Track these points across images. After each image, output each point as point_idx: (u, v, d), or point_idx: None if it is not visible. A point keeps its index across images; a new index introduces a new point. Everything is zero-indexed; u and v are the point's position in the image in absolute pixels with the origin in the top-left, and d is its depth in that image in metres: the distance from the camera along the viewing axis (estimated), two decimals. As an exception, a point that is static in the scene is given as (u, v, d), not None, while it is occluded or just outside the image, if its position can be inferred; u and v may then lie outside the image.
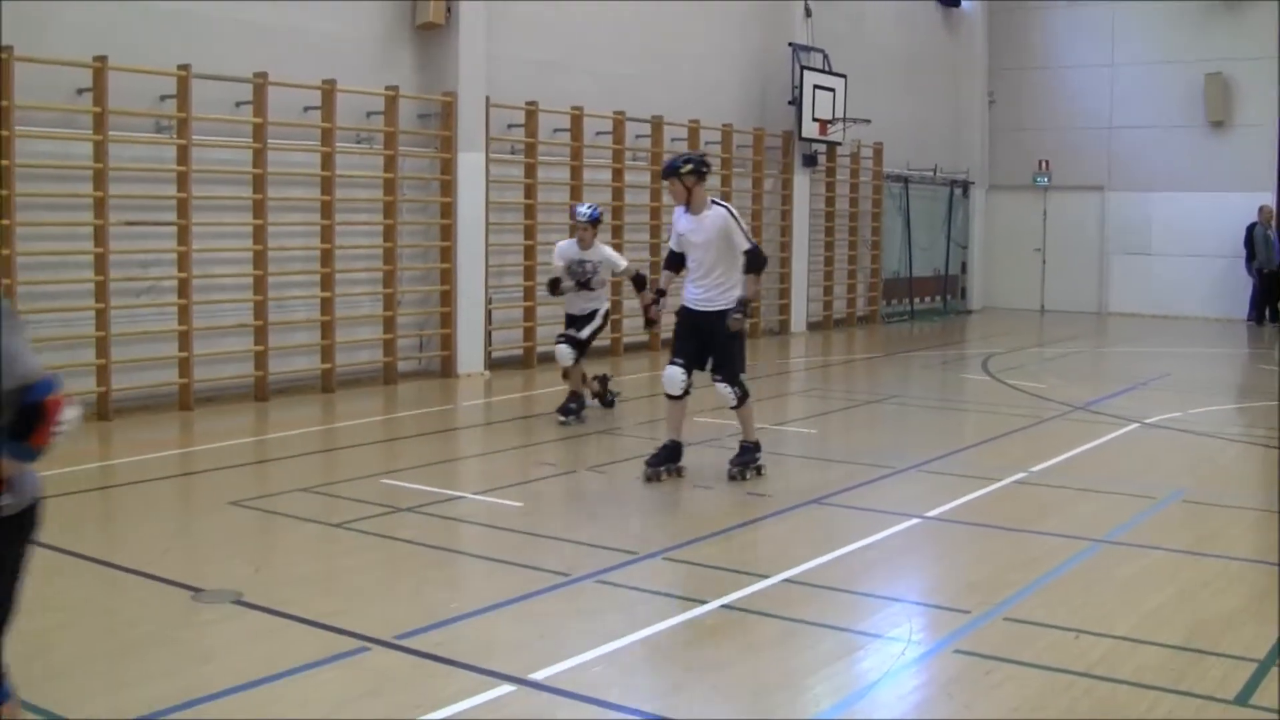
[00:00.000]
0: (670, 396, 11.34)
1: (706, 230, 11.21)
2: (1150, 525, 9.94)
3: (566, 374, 14.63)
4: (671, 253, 11.70)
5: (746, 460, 11.35)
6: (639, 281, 14.31)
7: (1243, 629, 7.20)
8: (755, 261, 11.45)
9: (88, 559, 8.01)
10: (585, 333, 14.38)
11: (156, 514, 10.15)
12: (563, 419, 14.22)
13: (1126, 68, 30.89)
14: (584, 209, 14.36)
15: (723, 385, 11.33)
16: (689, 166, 11.15)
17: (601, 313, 14.53)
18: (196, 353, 14.94)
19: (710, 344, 11.32)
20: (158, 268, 14.78)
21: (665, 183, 11.65)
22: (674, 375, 11.22)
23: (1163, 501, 10.71)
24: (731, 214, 11.30)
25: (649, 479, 10.99)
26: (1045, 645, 6.89)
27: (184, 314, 14.82)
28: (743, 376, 11.47)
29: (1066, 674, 6.45)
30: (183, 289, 14.82)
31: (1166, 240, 30.27)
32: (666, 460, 11.22)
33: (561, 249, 14.43)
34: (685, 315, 11.52)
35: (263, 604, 7.50)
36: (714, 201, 11.40)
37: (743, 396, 11.33)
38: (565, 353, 14.32)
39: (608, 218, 20.60)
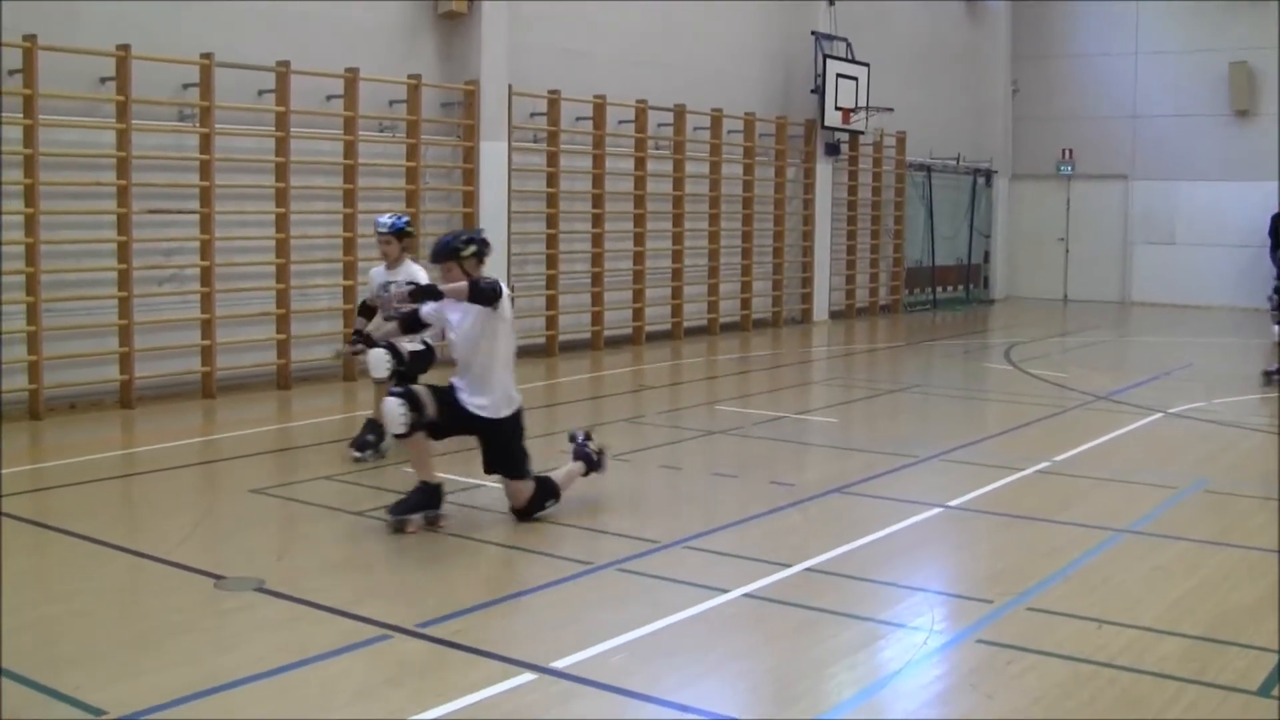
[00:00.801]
0: (395, 435, 9.35)
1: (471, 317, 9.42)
2: (1173, 515, 9.90)
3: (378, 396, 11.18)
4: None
5: (417, 505, 9.19)
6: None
7: (1266, 620, 7.18)
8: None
9: (110, 546, 8.02)
10: (408, 347, 11.33)
11: (178, 502, 10.17)
12: (357, 454, 11.34)
13: (1151, 56, 30.81)
14: (384, 219, 11.82)
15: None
16: (471, 248, 9.34)
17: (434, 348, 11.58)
18: (219, 341, 14.97)
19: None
20: (180, 256, 14.82)
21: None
22: (391, 410, 9.03)
23: (1185, 491, 10.67)
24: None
25: (395, 529, 8.97)
26: (1067, 635, 6.87)
27: (207, 302, 14.85)
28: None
29: (1089, 664, 6.43)
30: (205, 277, 14.85)
31: (1190, 230, 30.20)
32: (418, 506, 9.16)
33: (373, 274, 11.97)
34: None
35: (284, 592, 7.51)
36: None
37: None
38: (379, 360, 11.14)
39: (626, 206, 20.61)
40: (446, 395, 9.26)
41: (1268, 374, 16.60)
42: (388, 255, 11.77)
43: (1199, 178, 29.94)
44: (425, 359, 11.55)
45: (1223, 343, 23.01)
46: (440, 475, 9.34)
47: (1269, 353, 21.76)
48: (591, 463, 10.13)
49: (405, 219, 11.98)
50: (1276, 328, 16.15)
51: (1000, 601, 7.45)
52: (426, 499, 9.22)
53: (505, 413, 9.39)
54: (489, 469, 9.40)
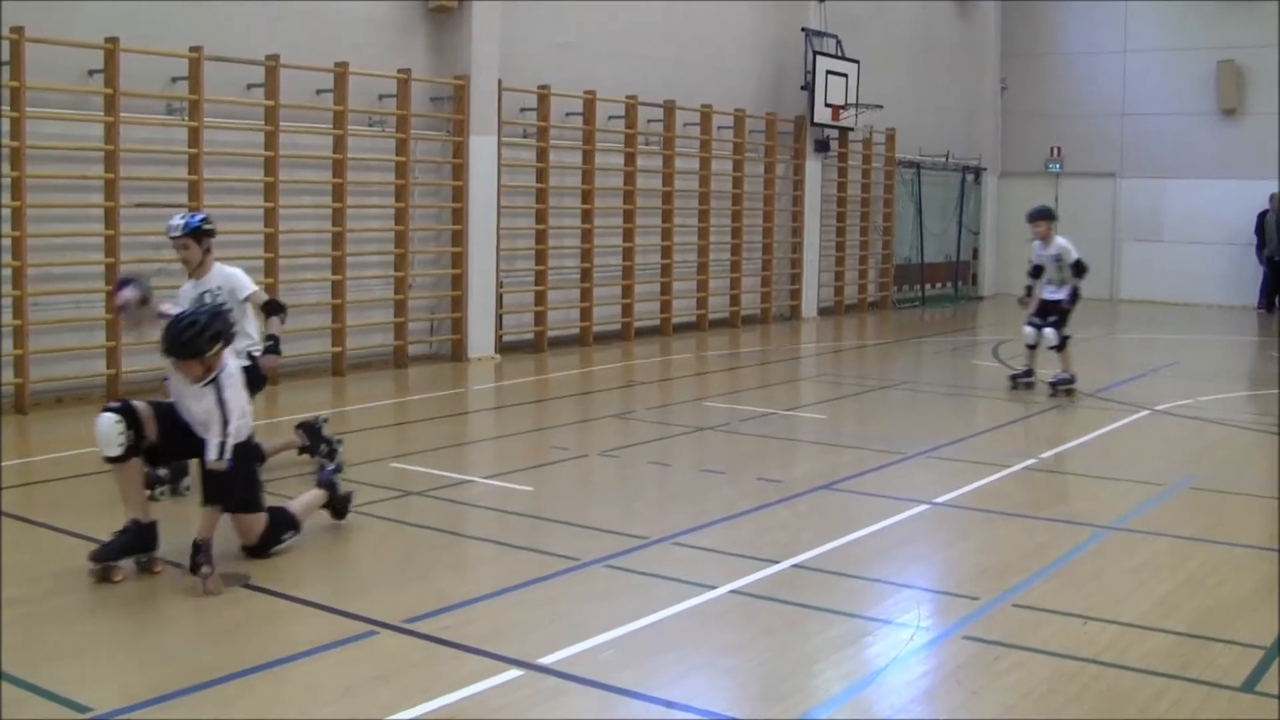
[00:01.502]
0: (107, 459, 7.97)
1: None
2: (1159, 512, 9.92)
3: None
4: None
5: (126, 548, 7.86)
6: (271, 308, 9.93)
7: (1251, 616, 7.21)
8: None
9: (95, 541, 8.00)
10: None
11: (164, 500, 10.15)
12: (147, 492, 8.61)
13: (1139, 55, 30.87)
14: (175, 219, 10.03)
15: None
16: (216, 345, 7.76)
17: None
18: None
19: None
20: (169, 250, 14.71)
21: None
22: (106, 429, 7.82)
23: (1172, 488, 10.70)
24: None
25: (100, 578, 7.65)
26: (1053, 632, 6.89)
27: (195, 296, 14.82)
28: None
29: (1074, 660, 6.45)
30: (194, 271, 14.81)
31: (1178, 227, 30.27)
32: (128, 549, 7.82)
33: (183, 292, 10.07)
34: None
35: (272, 587, 7.51)
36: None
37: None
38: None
39: (615, 202, 20.61)
40: (168, 412, 8.00)
41: (1014, 378, 16.17)
42: (188, 262, 9.94)
43: (1186, 176, 30.00)
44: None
45: (1209, 340, 23.06)
46: (154, 513, 8.04)
47: (1254, 350, 21.86)
48: (335, 493, 8.93)
49: (201, 217, 10.01)
50: (1028, 328, 15.89)
51: (987, 598, 7.47)
52: (138, 540, 7.84)
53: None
54: (207, 500, 7.77)
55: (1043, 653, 6.56)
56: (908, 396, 16.14)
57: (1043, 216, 16.12)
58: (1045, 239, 15.93)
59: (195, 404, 7.73)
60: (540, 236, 19.33)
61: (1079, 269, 15.86)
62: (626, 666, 6.41)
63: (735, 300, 23.65)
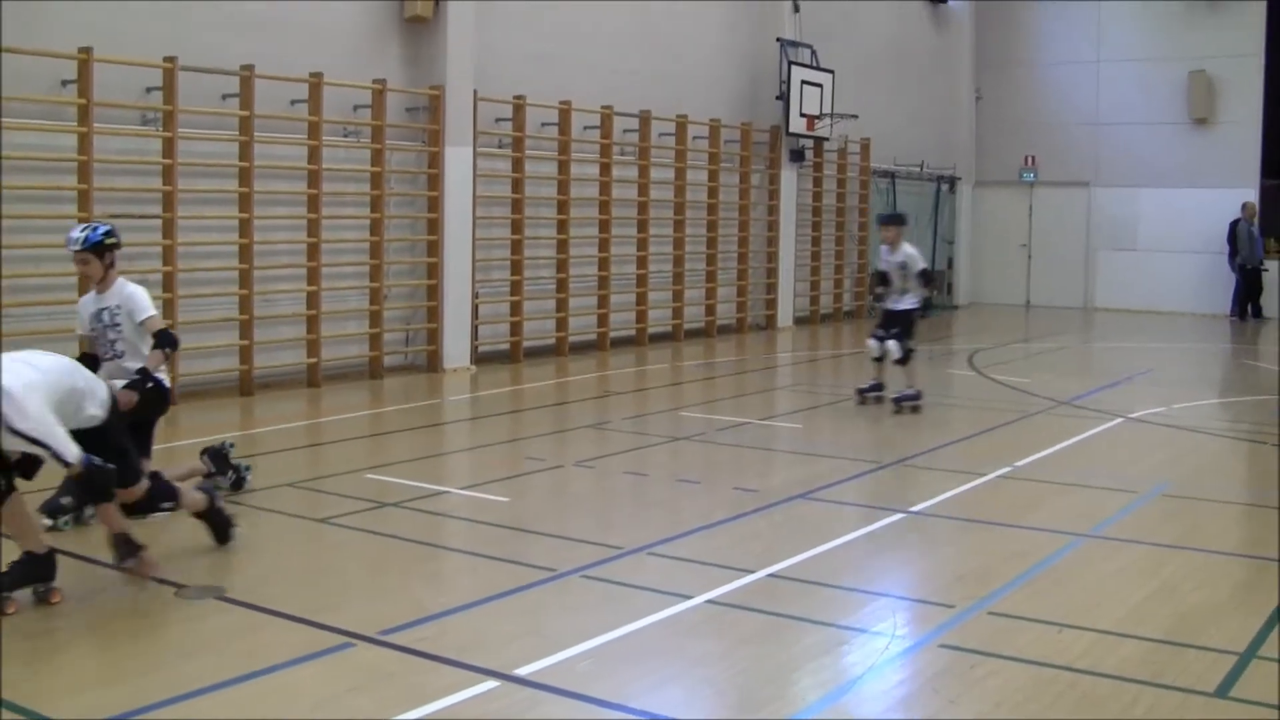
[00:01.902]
0: None
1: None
2: (1134, 519, 9.96)
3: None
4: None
5: (21, 578, 7.43)
6: (162, 338, 9.26)
7: (1225, 622, 7.24)
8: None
9: (67, 554, 7.99)
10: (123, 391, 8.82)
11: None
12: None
13: (1112, 65, 31.06)
14: (75, 232, 9.25)
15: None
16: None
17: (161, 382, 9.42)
18: (181, 347, 14.87)
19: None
20: (143, 261, 14.73)
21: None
22: None
23: (1146, 496, 10.73)
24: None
25: None
26: (1029, 640, 6.91)
27: (169, 308, 14.76)
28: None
29: (1050, 668, 6.46)
30: (168, 283, 14.77)
31: (1151, 236, 30.42)
32: (24, 580, 7.41)
33: (81, 305, 9.66)
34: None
35: (246, 600, 7.49)
36: None
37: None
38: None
39: (591, 212, 20.62)
40: None
41: (861, 392, 15.76)
42: (89, 277, 9.31)
43: (1160, 185, 30.15)
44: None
45: (1183, 348, 23.15)
46: (48, 541, 7.65)
47: (1227, 358, 21.94)
48: (212, 504, 8.76)
49: (105, 228, 9.26)
50: (872, 341, 15.51)
51: (962, 606, 7.49)
52: (33, 570, 7.44)
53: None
54: (90, 501, 7.99)
55: (1018, 660, 6.57)
56: (882, 406, 16.15)
57: (892, 221, 15.70)
58: (893, 245, 15.38)
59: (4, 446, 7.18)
60: (516, 247, 19.32)
61: (925, 278, 15.61)
62: (603, 677, 6.41)
63: (711, 310, 23.67)
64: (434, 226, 17.85)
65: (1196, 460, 12.82)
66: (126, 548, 7.57)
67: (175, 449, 12.58)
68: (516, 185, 19.24)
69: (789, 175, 25.40)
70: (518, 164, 19.22)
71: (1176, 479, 11.45)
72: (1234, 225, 28.53)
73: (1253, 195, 28.90)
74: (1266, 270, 28.77)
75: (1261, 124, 29.34)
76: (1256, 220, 28.47)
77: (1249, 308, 28.69)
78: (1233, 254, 28.67)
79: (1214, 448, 13.59)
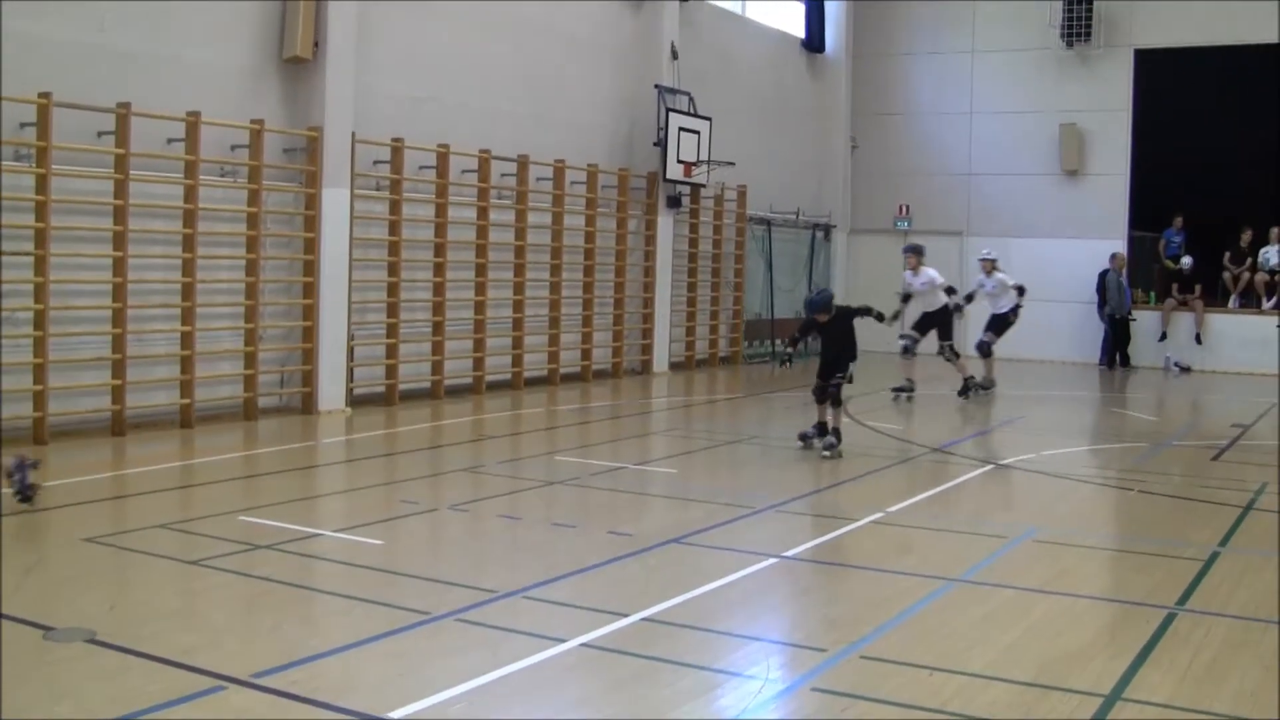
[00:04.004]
0: None
1: None
2: (1002, 564, 10.11)
3: None
4: None
5: None
6: None
7: (1090, 664, 7.37)
8: None
9: None
10: None
11: (7, 550, 9.94)
12: None
13: (985, 116, 31.65)
14: None
15: None
16: None
17: None
18: (51, 386, 14.71)
19: None
20: (13, 299, 14.53)
21: None
22: None
23: (1015, 541, 10.90)
24: None
25: None
26: (900, 683, 6.99)
27: (39, 346, 14.58)
28: None
29: (920, 710, 6.55)
30: (39, 321, 14.58)
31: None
32: None
33: None
34: None
35: (117, 642, 7.40)
36: None
37: None
38: None
39: (468, 255, 20.61)
40: None
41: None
42: None
43: (1031, 235, 30.67)
44: None
45: (1053, 396, 23.53)
46: None
47: (1096, 406, 22.35)
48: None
49: None
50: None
51: (834, 650, 7.56)
52: None
53: None
54: None
55: (890, 703, 6.65)
56: (757, 451, 16.28)
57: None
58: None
59: None
60: (392, 289, 19.28)
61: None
62: (477, 720, 6.41)
63: (587, 354, 23.72)
64: (310, 268, 17.77)
65: (1064, 506, 13.05)
66: None
67: (45, 488, 12.41)
68: (394, 228, 19.21)
69: (666, 221, 25.55)
70: (395, 206, 19.19)
71: (1045, 524, 11.64)
72: (1103, 275, 29.09)
73: (1122, 246, 29.55)
74: (1135, 320, 29.35)
75: (1130, 176, 30.02)
76: (1125, 271, 29.05)
77: (1118, 356, 29.26)
78: (1102, 304, 29.23)
79: (1081, 494, 13.83)
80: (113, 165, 15.33)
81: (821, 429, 15.57)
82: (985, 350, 22.54)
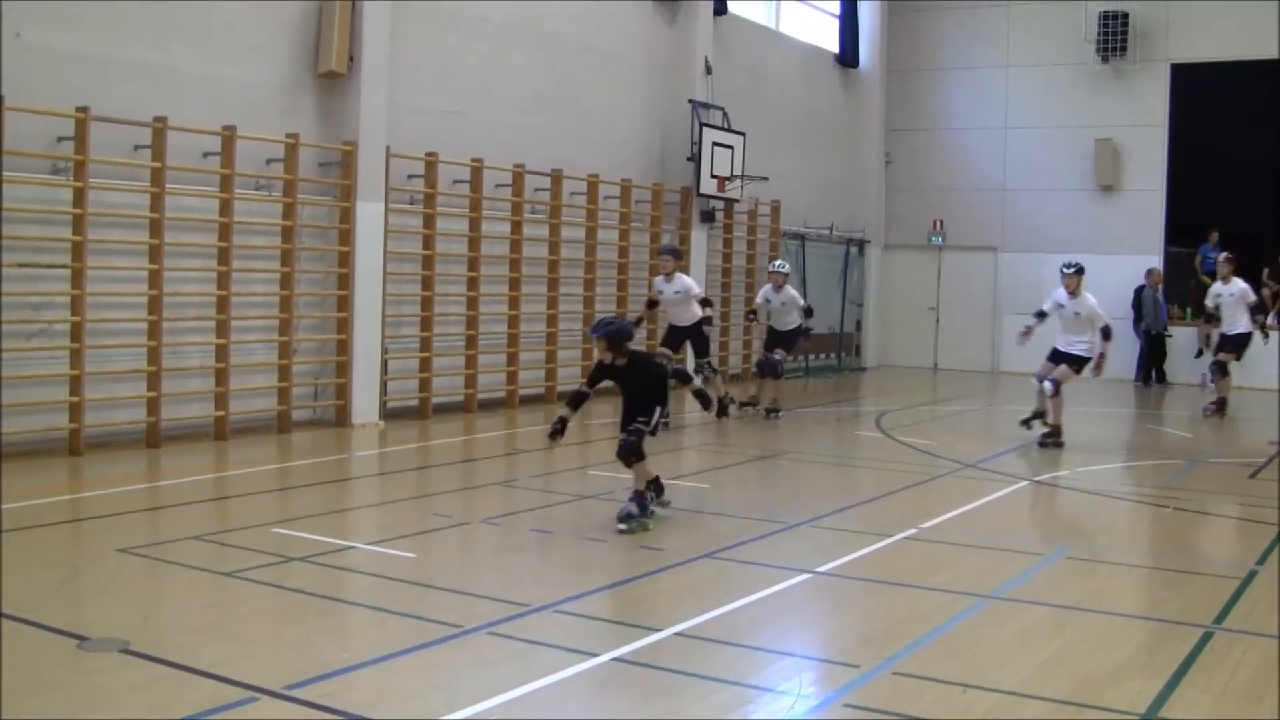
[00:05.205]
0: None
1: None
2: (1037, 581, 10.07)
3: None
4: None
5: None
6: None
7: (1126, 683, 7.32)
8: None
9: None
10: None
11: (43, 560, 10.00)
12: None
13: (1019, 131, 31.54)
14: None
15: None
16: None
17: None
18: (88, 397, 14.78)
19: None
20: (50, 310, 14.62)
21: None
22: None
23: (1049, 558, 10.86)
24: None
25: None
26: (933, 699, 6.97)
27: (76, 358, 14.66)
28: None
29: (953, 728, 6.52)
30: (75, 333, 14.66)
31: (1057, 301, 30.75)
32: None
33: None
34: None
35: (151, 653, 7.42)
36: None
37: None
38: None
39: (501, 269, 20.61)
40: None
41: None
42: None
43: (1066, 250, 30.36)
44: None
45: (1087, 412, 23.41)
46: None
47: (1131, 422, 22.24)
48: None
49: None
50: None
51: (868, 666, 7.54)
52: None
53: None
54: None
55: (922, 720, 6.63)
56: (791, 466, 16.24)
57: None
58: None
59: None
60: (426, 303, 19.31)
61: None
62: (508, 734, 6.40)
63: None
64: (344, 281, 17.82)
65: (1099, 523, 13.00)
66: None
67: (81, 499, 12.51)
68: (427, 242, 19.25)
69: (699, 236, 25.54)
70: (429, 220, 19.23)
71: (1079, 541, 11.61)
72: (1139, 291, 28.92)
73: (1158, 262, 29.36)
74: (1171, 336, 29.17)
75: (1166, 191, 29.88)
76: (1161, 287, 28.89)
77: (1153, 373, 29.09)
78: (1138, 320, 29.05)
79: (1115, 511, 13.77)
80: (149, 179, 15.40)
81: (639, 497, 11.69)
82: (775, 370, 20.66)
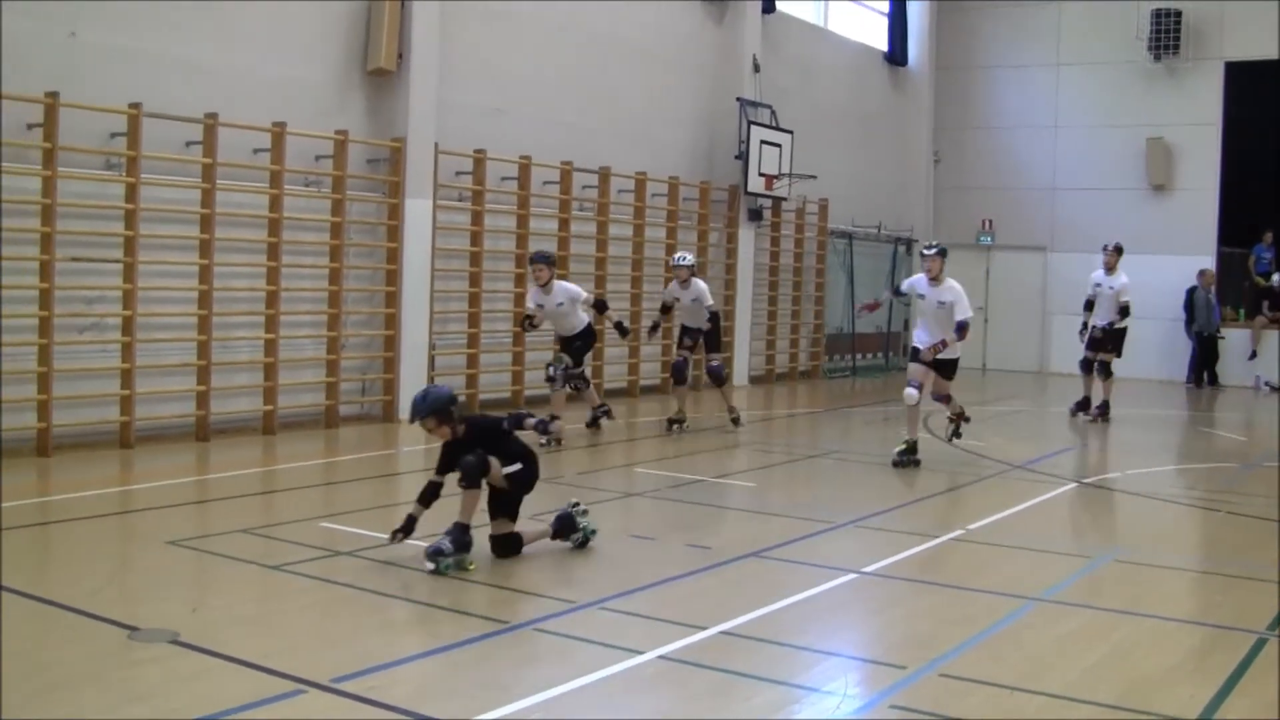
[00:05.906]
0: None
1: None
2: (1085, 584, 10.01)
3: None
4: None
5: None
6: None
7: (1176, 688, 7.27)
8: None
9: (22, 594, 7.95)
10: None
11: (93, 552, 10.08)
12: None
13: (1069, 130, 31.37)
14: None
15: None
16: None
17: None
18: (138, 391, 14.88)
19: None
20: (102, 304, 14.73)
21: None
22: None
23: (1097, 561, 10.80)
24: None
25: None
26: (979, 701, 6.94)
27: (127, 351, 14.77)
28: None
29: (1000, 730, 6.49)
30: (126, 327, 14.77)
31: (1107, 302, 30.60)
32: None
33: None
34: None
35: (199, 644, 7.46)
36: None
37: None
38: None
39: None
40: None
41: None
42: None
43: (1116, 250, 30.35)
44: None
45: (1138, 414, 23.26)
46: None
47: (1182, 425, 22.08)
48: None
49: None
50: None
51: (914, 667, 7.51)
52: None
53: None
54: None
55: (968, 722, 6.61)
56: (837, 466, 16.21)
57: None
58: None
59: None
60: (473, 299, 19.36)
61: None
62: (554, 730, 6.41)
63: (666, 367, 23.66)
64: (392, 277, 17.88)
65: (1149, 526, 12.91)
66: None
67: (131, 492, 12.58)
68: (475, 238, 19.30)
69: (747, 234, 25.52)
70: (477, 217, 19.28)
71: (1128, 544, 11.54)
72: (1191, 292, 28.69)
73: (1210, 263, 29.10)
74: (1223, 338, 28.93)
75: (1219, 192, 29.65)
76: (1214, 288, 28.65)
77: (1205, 375, 28.86)
78: (1189, 321, 28.83)
79: (1166, 514, 13.67)
80: (200, 175, 15.50)
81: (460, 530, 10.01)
82: (719, 377, 19.20)
